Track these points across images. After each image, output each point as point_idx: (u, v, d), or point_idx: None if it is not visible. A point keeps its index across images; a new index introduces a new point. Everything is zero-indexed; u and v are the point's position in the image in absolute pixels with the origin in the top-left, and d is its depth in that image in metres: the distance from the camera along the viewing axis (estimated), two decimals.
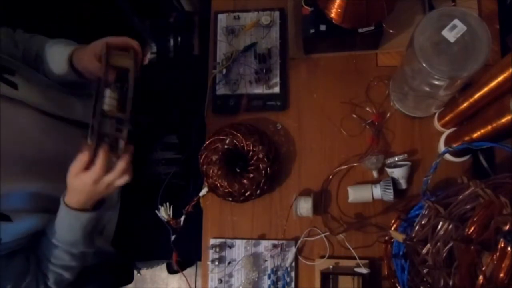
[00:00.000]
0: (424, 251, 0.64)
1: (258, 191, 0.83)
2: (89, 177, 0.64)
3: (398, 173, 0.80)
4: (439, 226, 0.62)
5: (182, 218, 0.81)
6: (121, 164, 0.65)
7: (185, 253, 0.89)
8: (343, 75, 0.90)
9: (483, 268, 0.53)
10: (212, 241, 0.85)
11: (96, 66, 0.69)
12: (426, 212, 0.66)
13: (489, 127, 0.65)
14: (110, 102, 0.66)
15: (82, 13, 0.83)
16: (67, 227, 0.69)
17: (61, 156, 0.73)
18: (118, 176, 0.66)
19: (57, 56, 0.75)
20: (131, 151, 0.67)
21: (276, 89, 0.89)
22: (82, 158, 0.63)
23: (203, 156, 0.83)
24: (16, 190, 0.67)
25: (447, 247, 0.60)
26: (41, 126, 0.71)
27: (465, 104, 0.71)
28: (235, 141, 0.82)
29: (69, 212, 0.67)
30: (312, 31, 0.83)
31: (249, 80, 0.90)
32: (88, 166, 0.64)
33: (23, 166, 0.68)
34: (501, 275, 0.51)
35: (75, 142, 0.78)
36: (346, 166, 0.85)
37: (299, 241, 0.83)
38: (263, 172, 0.81)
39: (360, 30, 0.80)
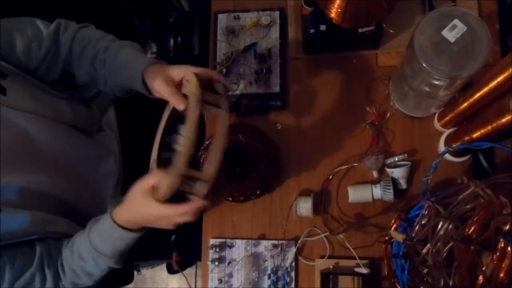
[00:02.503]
0: (424, 251, 0.64)
1: (258, 191, 0.83)
2: (159, 211, 0.62)
3: (398, 173, 0.80)
4: (439, 226, 0.62)
5: None
6: (191, 205, 0.63)
7: (185, 253, 0.89)
8: (343, 75, 0.90)
9: (483, 268, 0.53)
10: (212, 241, 0.85)
11: (166, 91, 0.66)
12: (426, 212, 0.66)
13: (489, 127, 0.65)
14: (184, 142, 0.62)
15: (82, 14, 0.82)
16: (106, 238, 0.68)
17: (51, 151, 0.73)
18: (184, 216, 0.64)
19: (130, 66, 0.73)
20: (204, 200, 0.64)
21: (276, 89, 0.89)
22: (163, 183, 0.61)
23: (203, 156, 0.83)
24: (4, 183, 0.66)
25: (447, 247, 0.60)
26: (32, 124, 0.71)
27: (465, 104, 0.71)
28: (235, 141, 0.82)
29: (114, 227, 0.66)
30: (312, 31, 0.83)
31: (249, 80, 0.90)
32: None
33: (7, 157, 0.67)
34: (501, 275, 0.51)
35: (69, 139, 0.78)
36: (346, 166, 0.85)
37: (299, 241, 0.83)
38: (263, 172, 0.81)
39: (360, 30, 0.80)
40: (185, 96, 0.65)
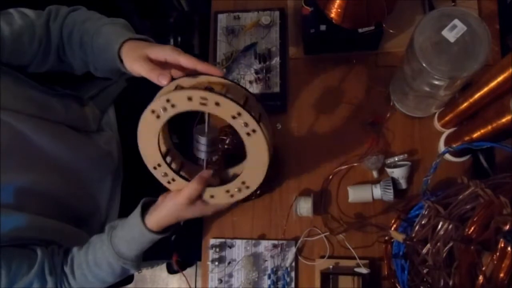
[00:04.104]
0: (424, 251, 0.64)
1: (258, 191, 0.83)
2: (183, 197, 0.63)
3: (398, 173, 0.80)
4: (439, 226, 0.62)
5: None
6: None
7: (185, 253, 0.89)
8: (343, 75, 0.90)
9: (483, 268, 0.53)
10: (212, 241, 0.85)
11: (144, 69, 0.61)
12: (426, 212, 0.66)
13: (489, 127, 0.65)
14: (205, 149, 0.63)
15: None
16: (130, 240, 0.68)
17: (46, 150, 0.73)
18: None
19: (108, 47, 0.68)
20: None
21: (276, 89, 0.89)
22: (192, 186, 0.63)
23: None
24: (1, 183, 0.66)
25: (447, 247, 0.60)
26: (25, 124, 0.70)
27: (465, 104, 0.71)
28: (235, 141, 0.82)
29: (145, 233, 0.67)
30: (312, 31, 0.83)
31: (249, 80, 0.90)
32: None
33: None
34: (501, 275, 0.51)
35: (63, 139, 0.77)
36: (346, 166, 0.85)
37: (299, 241, 0.83)
38: None
39: (360, 30, 0.80)
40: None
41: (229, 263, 0.84)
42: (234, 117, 0.55)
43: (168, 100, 0.55)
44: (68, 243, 0.74)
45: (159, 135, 0.61)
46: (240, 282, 0.83)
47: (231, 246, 0.85)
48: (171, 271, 1.64)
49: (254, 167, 0.61)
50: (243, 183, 0.63)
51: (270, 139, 0.63)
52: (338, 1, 0.75)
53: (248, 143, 0.59)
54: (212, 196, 0.66)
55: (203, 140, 0.62)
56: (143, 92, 0.77)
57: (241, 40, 0.92)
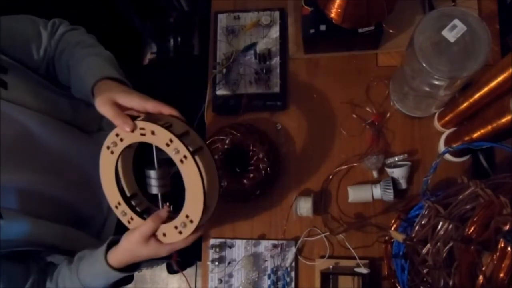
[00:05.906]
0: (424, 251, 0.64)
1: (258, 191, 0.83)
2: (138, 235, 0.63)
3: (398, 173, 0.80)
4: (439, 226, 0.62)
5: None
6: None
7: (185, 253, 0.89)
8: (343, 75, 0.90)
9: (483, 268, 0.53)
10: (212, 241, 0.85)
11: (110, 113, 0.61)
12: (426, 212, 0.66)
13: (489, 127, 0.65)
14: (157, 183, 0.63)
15: (83, 14, 0.83)
16: (99, 279, 0.68)
17: (50, 148, 0.73)
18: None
19: (85, 80, 0.70)
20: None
21: (276, 89, 0.89)
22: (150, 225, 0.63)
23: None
24: (4, 181, 0.65)
25: (447, 247, 0.60)
26: (33, 121, 0.70)
27: (465, 104, 0.71)
28: (235, 141, 0.82)
29: (109, 270, 0.66)
30: (312, 31, 0.83)
31: (249, 80, 0.90)
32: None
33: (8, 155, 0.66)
34: (501, 275, 0.51)
35: (69, 138, 0.78)
36: (346, 166, 0.85)
37: (299, 241, 0.83)
38: (263, 172, 0.81)
39: (360, 30, 0.80)
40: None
41: (229, 263, 0.84)
42: (167, 145, 0.58)
43: (117, 135, 0.61)
44: (69, 246, 0.74)
45: (118, 172, 0.64)
46: (240, 282, 0.83)
47: (231, 246, 0.85)
48: (171, 271, 1.64)
49: (193, 199, 0.61)
50: (187, 216, 0.62)
51: (208, 174, 0.64)
52: (338, 1, 0.76)
53: (182, 171, 0.60)
54: (164, 235, 0.65)
55: (152, 174, 0.62)
56: (142, 92, 0.78)
57: (241, 40, 0.92)
